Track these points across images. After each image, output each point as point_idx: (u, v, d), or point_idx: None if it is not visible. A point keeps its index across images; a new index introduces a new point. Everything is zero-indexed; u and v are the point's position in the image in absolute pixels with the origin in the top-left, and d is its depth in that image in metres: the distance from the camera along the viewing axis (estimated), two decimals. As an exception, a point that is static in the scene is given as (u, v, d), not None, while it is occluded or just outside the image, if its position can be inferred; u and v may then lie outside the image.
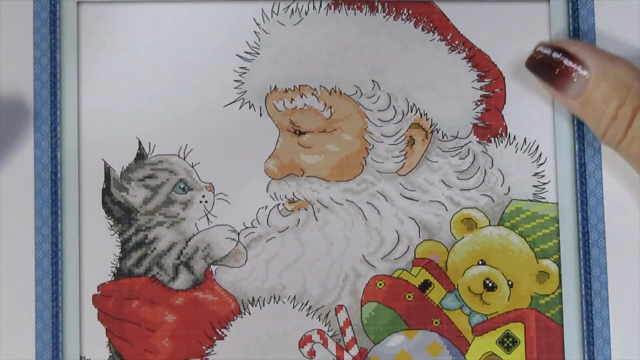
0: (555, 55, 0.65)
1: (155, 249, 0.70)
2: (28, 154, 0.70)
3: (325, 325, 0.71)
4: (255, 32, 0.72)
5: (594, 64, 0.64)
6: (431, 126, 0.72)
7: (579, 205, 0.71)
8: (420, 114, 0.72)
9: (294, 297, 0.70)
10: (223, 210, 0.71)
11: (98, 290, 0.70)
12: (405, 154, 0.72)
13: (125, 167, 0.71)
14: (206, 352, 0.70)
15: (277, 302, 0.70)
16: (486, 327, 0.71)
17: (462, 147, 0.72)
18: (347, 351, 0.70)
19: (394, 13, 0.72)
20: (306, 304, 0.70)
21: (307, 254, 0.71)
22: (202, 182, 0.71)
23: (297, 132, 0.72)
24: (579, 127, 0.71)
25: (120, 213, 0.70)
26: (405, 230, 0.71)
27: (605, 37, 0.72)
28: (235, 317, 0.70)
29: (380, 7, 0.72)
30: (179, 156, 0.71)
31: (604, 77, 0.63)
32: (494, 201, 0.72)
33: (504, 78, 0.72)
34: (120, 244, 0.70)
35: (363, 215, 0.71)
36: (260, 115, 0.72)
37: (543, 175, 0.72)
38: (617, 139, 0.64)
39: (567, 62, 0.65)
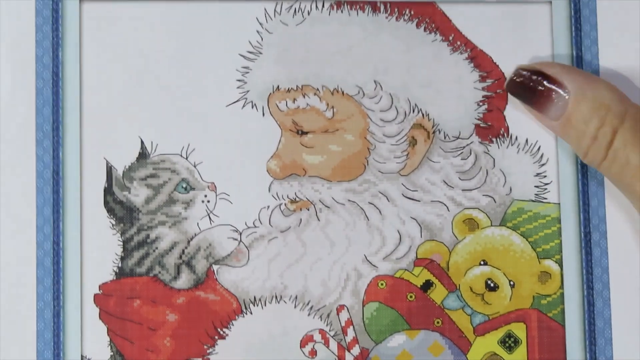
0: (534, 77, 0.66)
1: (157, 248, 0.70)
2: (30, 153, 0.70)
3: (327, 325, 0.70)
4: (257, 31, 0.72)
5: (572, 85, 0.65)
6: (433, 126, 0.72)
7: (580, 205, 0.71)
8: (422, 115, 0.72)
9: (296, 297, 0.70)
10: (225, 210, 0.71)
11: (100, 290, 0.70)
12: (407, 155, 0.72)
13: (127, 166, 0.71)
14: (207, 351, 0.70)
15: (278, 302, 0.70)
16: (488, 327, 0.71)
17: (464, 147, 0.72)
18: (349, 351, 0.70)
19: (396, 14, 0.72)
20: (308, 304, 0.70)
21: (308, 253, 0.71)
22: (204, 182, 0.71)
23: (300, 132, 0.72)
24: (581, 128, 0.71)
25: (122, 212, 0.70)
26: (407, 230, 0.71)
27: (608, 37, 0.72)
28: (236, 317, 0.70)
29: (382, 7, 0.72)
30: (181, 155, 0.71)
31: (583, 98, 0.64)
32: (495, 201, 0.72)
33: (505, 79, 0.72)
34: (122, 243, 0.70)
35: (365, 215, 0.71)
36: (263, 115, 0.71)
37: (545, 176, 0.72)
38: (599, 159, 0.64)
39: (546, 84, 0.66)
